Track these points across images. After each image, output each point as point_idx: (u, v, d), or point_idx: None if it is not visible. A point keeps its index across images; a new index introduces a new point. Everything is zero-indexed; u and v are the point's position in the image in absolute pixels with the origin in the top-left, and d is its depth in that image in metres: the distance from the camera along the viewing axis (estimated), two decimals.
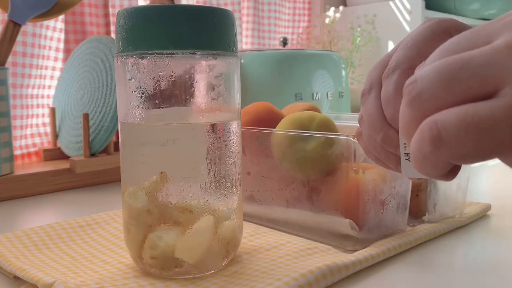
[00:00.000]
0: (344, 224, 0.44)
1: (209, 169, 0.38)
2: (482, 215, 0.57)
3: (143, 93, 0.37)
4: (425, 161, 0.22)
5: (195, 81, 0.37)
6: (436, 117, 0.21)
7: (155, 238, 0.37)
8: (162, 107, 0.38)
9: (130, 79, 0.38)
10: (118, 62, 0.39)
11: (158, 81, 0.37)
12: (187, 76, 0.37)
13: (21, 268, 0.39)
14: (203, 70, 0.38)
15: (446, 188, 0.53)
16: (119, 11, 0.38)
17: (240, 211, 0.42)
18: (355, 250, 0.43)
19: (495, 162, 0.94)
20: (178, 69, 0.37)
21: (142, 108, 0.38)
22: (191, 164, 0.38)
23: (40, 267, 0.40)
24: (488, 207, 0.58)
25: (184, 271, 0.38)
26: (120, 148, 0.41)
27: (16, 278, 0.41)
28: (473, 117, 0.20)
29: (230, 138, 0.40)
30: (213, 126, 0.39)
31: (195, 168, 0.38)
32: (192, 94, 0.38)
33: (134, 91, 0.38)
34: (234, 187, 0.40)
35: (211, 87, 0.38)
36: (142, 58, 0.37)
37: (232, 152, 0.40)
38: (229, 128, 0.40)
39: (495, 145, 0.20)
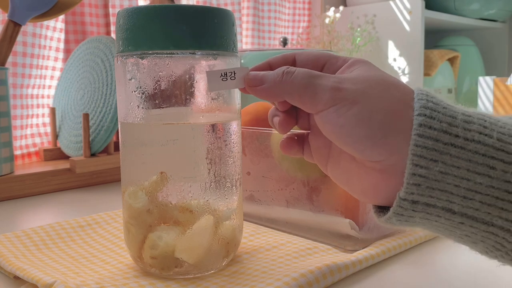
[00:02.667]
0: (344, 224, 0.44)
1: (209, 169, 0.38)
2: None
3: (143, 93, 0.37)
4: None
5: (195, 81, 0.37)
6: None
7: (155, 238, 0.37)
8: (162, 107, 0.38)
9: (130, 79, 0.38)
10: (118, 62, 0.39)
11: (158, 81, 0.37)
12: (187, 76, 0.37)
13: (21, 268, 0.39)
14: (203, 70, 0.38)
15: None
16: (119, 11, 0.38)
17: (240, 211, 0.42)
18: (355, 250, 0.43)
19: None
20: (178, 69, 0.37)
21: (142, 108, 0.38)
22: (191, 164, 0.38)
23: (40, 267, 0.40)
24: None
25: (184, 271, 0.38)
26: (120, 148, 0.41)
27: (16, 278, 0.41)
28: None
29: (230, 138, 0.40)
30: (213, 126, 0.39)
31: (195, 168, 0.38)
32: (192, 94, 0.38)
33: (134, 91, 0.38)
34: (234, 187, 0.40)
35: None
36: (142, 58, 0.37)
37: (232, 152, 0.40)
38: (229, 128, 0.40)
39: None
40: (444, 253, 0.45)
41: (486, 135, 0.27)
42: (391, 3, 1.41)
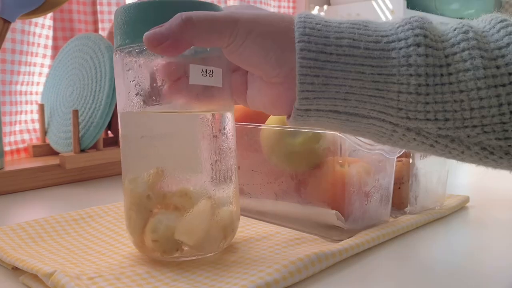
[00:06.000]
0: (330, 215, 0.46)
1: (208, 159, 0.40)
2: (461, 207, 0.59)
3: (141, 84, 0.39)
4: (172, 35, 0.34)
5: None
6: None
7: (156, 222, 0.39)
8: (160, 103, 0.39)
9: (128, 70, 0.39)
10: (117, 56, 0.40)
11: (156, 73, 0.38)
12: (183, 68, 0.39)
13: (20, 259, 0.40)
14: (196, 61, 0.39)
15: (427, 181, 0.55)
16: (117, 9, 0.39)
17: (237, 199, 0.43)
18: (341, 240, 0.45)
19: None
20: (175, 60, 0.38)
21: (140, 96, 0.39)
22: (190, 154, 0.40)
23: (38, 258, 0.41)
24: (467, 199, 0.61)
25: (185, 254, 0.40)
26: (120, 140, 0.42)
27: (15, 269, 0.42)
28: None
29: (227, 128, 0.41)
30: (211, 115, 0.40)
31: (194, 157, 0.40)
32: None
33: (132, 81, 0.39)
34: (232, 175, 0.42)
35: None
36: (139, 50, 0.38)
37: (229, 141, 0.42)
38: (226, 118, 0.41)
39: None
40: (425, 242, 0.48)
41: (354, 47, 0.33)
42: (373, 2, 1.44)
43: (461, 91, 0.32)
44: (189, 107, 0.40)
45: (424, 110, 0.32)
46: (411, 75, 0.32)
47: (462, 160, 0.36)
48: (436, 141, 0.34)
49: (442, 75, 0.32)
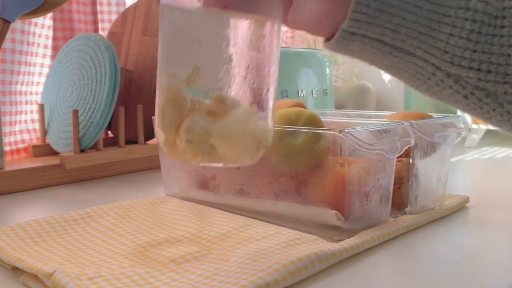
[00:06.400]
0: (330, 215, 0.47)
1: (248, 68, 0.38)
2: (461, 207, 0.59)
3: None
4: None
5: None
6: None
7: (192, 122, 0.37)
8: None
9: None
10: None
11: None
12: None
13: (20, 259, 0.40)
14: None
15: (427, 181, 0.55)
16: None
17: (273, 116, 0.41)
18: (341, 240, 0.45)
19: (473, 156, 0.98)
20: None
21: None
22: (229, 59, 0.37)
23: (38, 258, 0.42)
24: (467, 199, 0.61)
25: (216, 159, 0.38)
26: (159, 33, 0.39)
27: (15, 269, 0.42)
28: None
29: (273, 39, 0.39)
30: (257, 20, 0.38)
31: (233, 63, 0.37)
32: None
33: None
34: (271, 88, 0.40)
35: None
36: None
37: (273, 55, 0.39)
38: (274, 28, 0.39)
39: None
40: (425, 242, 0.48)
41: None
42: None
43: (510, 46, 0.32)
44: (236, 8, 0.37)
45: (470, 57, 0.33)
46: (466, 19, 0.32)
47: (490, 119, 0.36)
48: (471, 93, 0.34)
49: (495, 26, 0.32)
